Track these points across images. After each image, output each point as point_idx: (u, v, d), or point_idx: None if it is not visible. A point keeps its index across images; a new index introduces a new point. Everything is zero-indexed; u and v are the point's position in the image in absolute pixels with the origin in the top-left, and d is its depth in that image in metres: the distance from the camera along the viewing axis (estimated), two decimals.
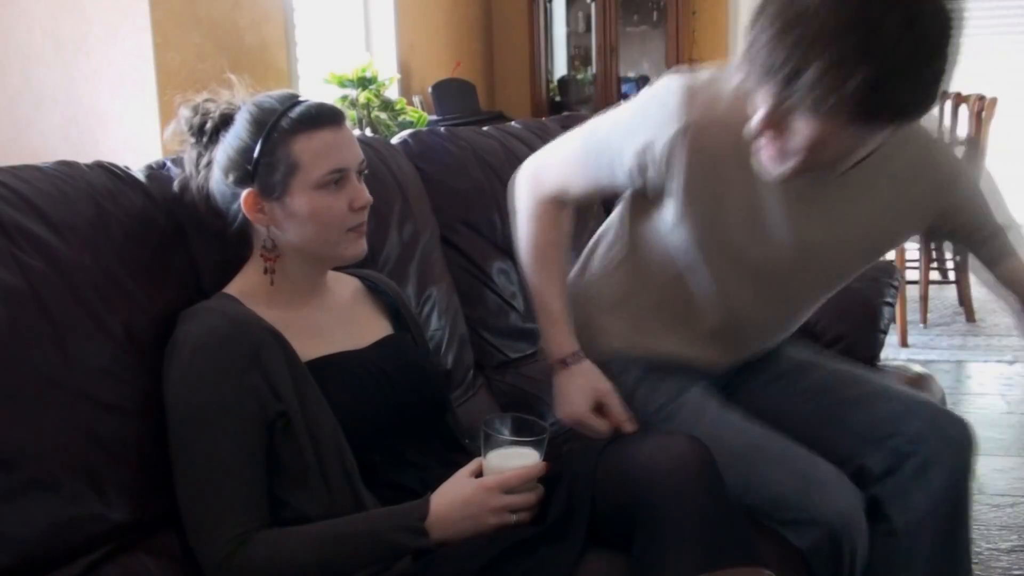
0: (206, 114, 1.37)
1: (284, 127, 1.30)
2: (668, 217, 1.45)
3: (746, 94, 1.26)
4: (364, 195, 1.35)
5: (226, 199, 1.34)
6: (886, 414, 1.51)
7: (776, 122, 1.22)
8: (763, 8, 1.19)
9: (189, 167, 1.39)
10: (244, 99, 1.37)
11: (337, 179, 1.32)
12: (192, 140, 1.38)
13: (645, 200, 1.48)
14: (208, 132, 1.36)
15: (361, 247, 1.37)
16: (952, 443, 1.46)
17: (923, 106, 1.18)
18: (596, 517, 1.22)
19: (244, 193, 1.31)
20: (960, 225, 1.51)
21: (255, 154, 1.30)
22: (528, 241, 1.57)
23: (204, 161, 1.37)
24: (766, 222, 1.41)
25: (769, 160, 1.28)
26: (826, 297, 1.58)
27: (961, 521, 1.46)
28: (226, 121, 1.35)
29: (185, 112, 1.39)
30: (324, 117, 1.32)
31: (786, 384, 1.62)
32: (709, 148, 1.37)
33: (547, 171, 1.56)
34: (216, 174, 1.34)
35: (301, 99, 1.34)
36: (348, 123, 1.36)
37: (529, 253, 1.57)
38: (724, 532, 1.16)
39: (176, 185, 1.40)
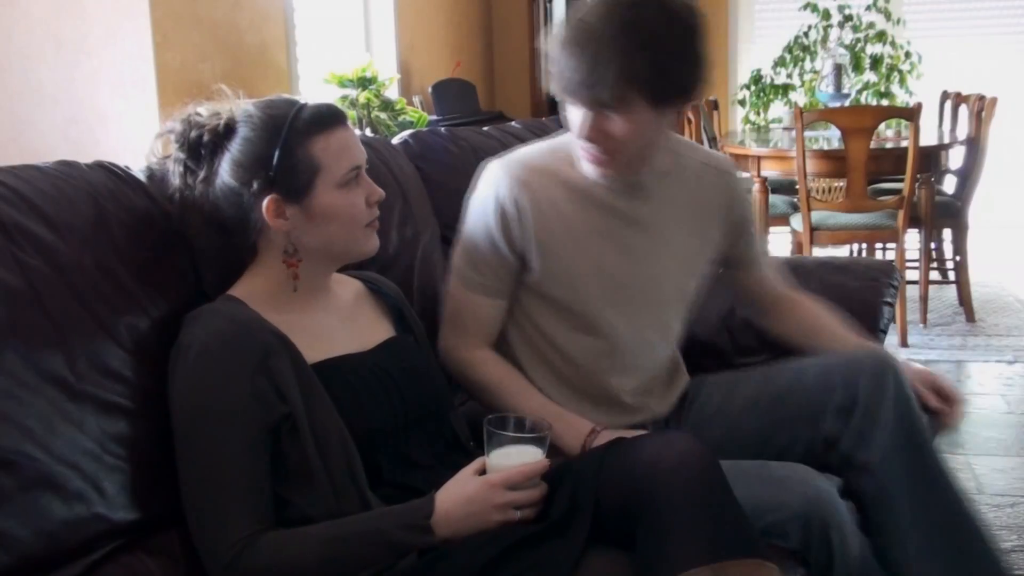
0: (201, 127, 1.35)
1: (299, 129, 1.31)
2: (537, 279, 1.61)
3: (555, 147, 1.62)
4: (378, 190, 1.39)
5: (241, 209, 1.33)
6: (815, 384, 1.59)
7: (595, 126, 1.47)
8: (560, 42, 1.46)
9: (178, 181, 1.36)
10: (237, 107, 1.36)
11: (355, 176, 1.35)
12: (183, 155, 1.35)
13: (521, 296, 1.65)
14: (207, 145, 1.34)
15: (376, 242, 1.40)
16: (880, 375, 1.54)
17: (700, 84, 1.49)
18: (599, 514, 1.22)
19: (266, 200, 1.31)
20: (747, 236, 1.76)
21: (275, 159, 1.30)
22: (489, 388, 1.61)
23: (202, 175, 1.34)
24: (610, 247, 1.61)
25: (595, 163, 1.54)
26: (682, 316, 1.74)
27: (923, 440, 1.52)
28: (228, 132, 1.34)
29: (176, 126, 1.36)
30: (335, 117, 1.34)
31: (726, 411, 1.69)
32: (540, 194, 1.59)
33: (454, 323, 1.65)
34: (226, 185, 1.32)
35: (302, 101, 1.34)
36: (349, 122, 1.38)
37: (498, 395, 1.60)
38: (727, 526, 1.16)
39: (168, 199, 1.38)
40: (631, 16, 1.42)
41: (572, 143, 1.58)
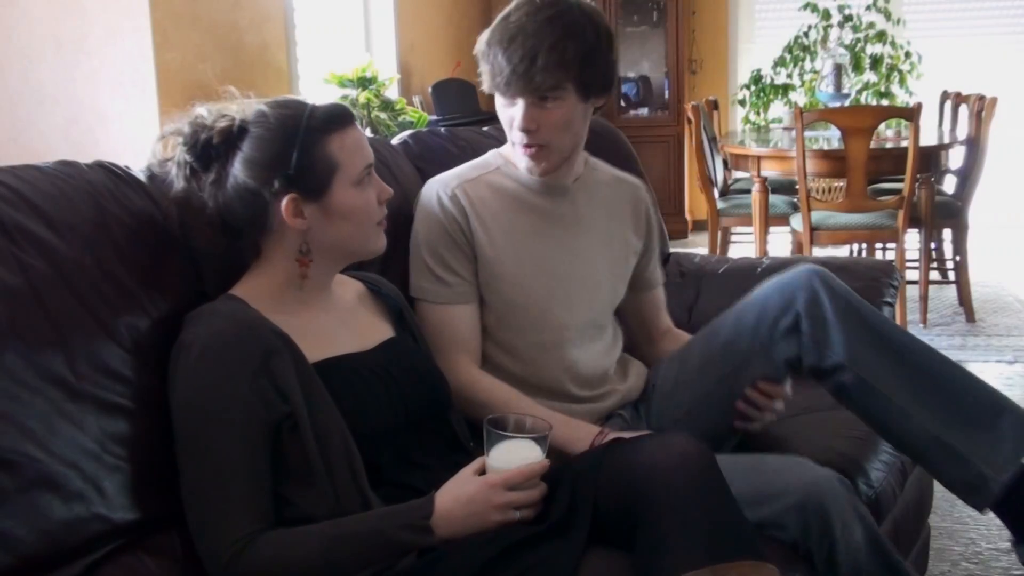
0: (210, 129, 1.33)
1: (316, 128, 1.32)
2: (483, 280, 1.68)
3: (480, 163, 1.75)
4: (387, 188, 1.41)
5: (256, 209, 1.32)
6: (756, 319, 1.64)
7: (531, 115, 1.59)
8: (490, 43, 1.62)
9: (184, 184, 1.35)
10: (248, 108, 1.35)
11: (367, 174, 1.36)
12: (189, 158, 1.34)
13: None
14: (219, 146, 1.33)
15: (384, 240, 1.42)
16: (808, 284, 1.60)
17: (614, 85, 1.68)
18: (598, 515, 1.22)
19: (285, 200, 1.31)
20: (651, 254, 1.88)
21: (294, 158, 1.30)
22: (490, 405, 1.60)
23: (212, 176, 1.33)
24: (545, 244, 1.71)
25: (531, 156, 1.65)
26: (612, 318, 1.83)
27: (871, 317, 1.59)
28: (241, 133, 1.33)
29: (184, 128, 1.35)
30: (348, 116, 1.36)
31: (685, 378, 1.73)
32: (475, 198, 1.70)
33: (438, 349, 1.64)
34: (241, 185, 1.31)
35: (311, 102, 1.36)
36: None
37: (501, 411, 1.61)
38: (726, 527, 1.16)
39: (170, 202, 1.37)
40: (554, 12, 1.58)
41: (501, 154, 1.75)
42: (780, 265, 2.22)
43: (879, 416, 1.57)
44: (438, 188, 1.71)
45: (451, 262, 1.67)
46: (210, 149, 1.33)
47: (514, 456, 1.26)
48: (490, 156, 1.78)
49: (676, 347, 1.86)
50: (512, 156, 1.72)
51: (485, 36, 1.63)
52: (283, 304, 1.35)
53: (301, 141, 1.31)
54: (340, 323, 1.41)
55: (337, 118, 1.34)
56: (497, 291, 1.68)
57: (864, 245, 4.61)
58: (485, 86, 1.65)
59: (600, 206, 1.79)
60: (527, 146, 1.64)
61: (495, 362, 1.70)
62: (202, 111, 1.36)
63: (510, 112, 1.63)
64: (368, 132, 4.08)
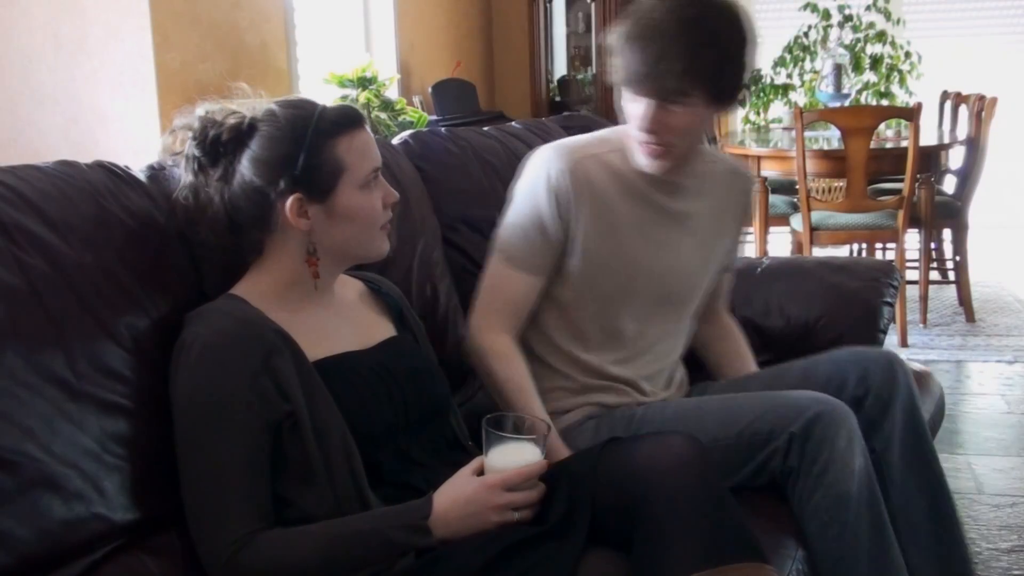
0: (220, 125, 1.34)
1: (325, 130, 1.32)
2: (576, 262, 1.68)
3: (605, 137, 1.72)
4: (393, 192, 1.40)
5: (262, 208, 1.32)
6: (827, 378, 1.65)
7: (656, 118, 1.56)
8: (625, 37, 1.55)
9: (191, 178, 1.35)
10: (259, 105, 1.35)
11: (374, 177, 1.36)
12: (198, 152, 1.34)
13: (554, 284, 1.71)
14: (228, 143, 1.33)
15: (387, 244, 1.41)
16: (890, 369, 1.62)
17: (745, 91, 1.61)
18: (596, 516, 1.22)
19: (290, 199, 1.31)
20: (736, 243, 1.87)
21: (301, 159, 1.30)
22: (495, 383, 1.65)
23: (219, 173, 1.33)
24: (648, 239, 1.70)
25: (651, 155, 1.62)
26: (693, 316, 1.83)
27: (924, 434, 1.61)
28: (250, 130, 1.33)
29: (194, 123, 1.35)
30: (358, 119, 1.36)
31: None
32: (589, 178, 1.66)
33: (488, 302, 1.69)
34: (248, 183, 1.31)
35: (320, 102, 1.36)
36: None
37: (499, 392, 1.65)
38: (725, 529, 1.16)
39: (176, 196, 1.36)
40: (694, 14, 1.52)
41: (623, 136, 1.67)
42: (780, 265, 2.22)
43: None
44: (551, 161, 1.67)
45: (535, 240, 1.67)
46: (219, 145, 1.33)
47: (513, 457, 1.26)
48: (612, 134, 1.73)
49: (719, 333, 1.89)
50: (632, 144, 1.67)
51: (622, 28, 1.58)
52: (284, 302, 1.35)
53: (309, 142, 1.31)
54: (341, 321, 1.41)
55: (346, 120, 1.34)
56: (589, 275, 1.68)
57: (864, 245, 4.61)
58: (614, 78, 1.61)
59: (711, 203, 1.76)
60: (646, 144, 1.62)
61: (563, 346, 1.71)
62: (211, 107, 1.36)
63: (636, 107, 1.59)
64: None
